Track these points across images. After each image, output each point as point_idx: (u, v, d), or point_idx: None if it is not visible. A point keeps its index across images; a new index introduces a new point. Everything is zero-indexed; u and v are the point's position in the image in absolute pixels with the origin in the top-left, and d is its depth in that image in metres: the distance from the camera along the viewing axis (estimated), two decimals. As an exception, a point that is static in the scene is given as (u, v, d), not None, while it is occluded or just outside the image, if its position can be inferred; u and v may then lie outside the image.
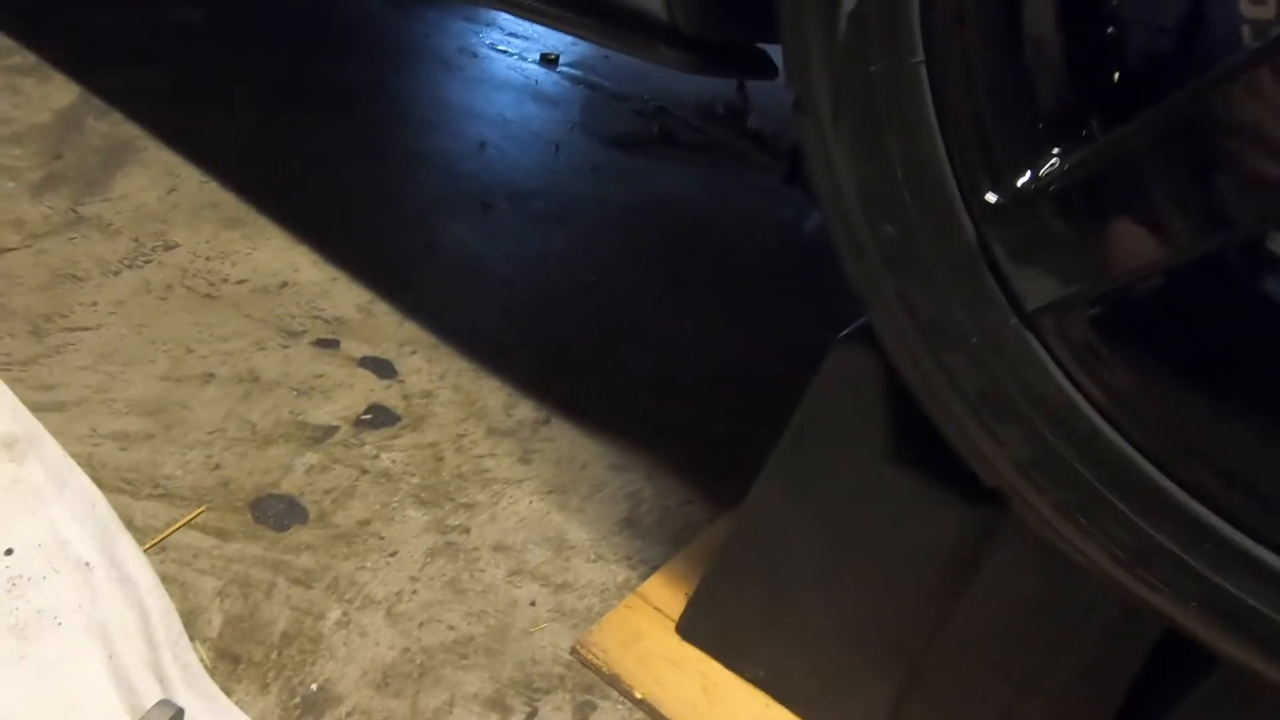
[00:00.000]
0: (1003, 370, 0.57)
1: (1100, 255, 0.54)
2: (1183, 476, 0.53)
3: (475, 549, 0.88)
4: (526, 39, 2.15)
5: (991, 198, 0.56)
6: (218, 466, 0.90)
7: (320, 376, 1.04)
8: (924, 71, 0.55)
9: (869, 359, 0.66)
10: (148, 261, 1.15)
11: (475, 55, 2.03)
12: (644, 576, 0.88)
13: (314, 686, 0.73)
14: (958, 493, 0.65)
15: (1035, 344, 0.56)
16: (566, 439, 1.04)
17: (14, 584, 0.72)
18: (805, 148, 0.61)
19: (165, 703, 0.53)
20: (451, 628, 0.80)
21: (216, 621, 0.76)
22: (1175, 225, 0.52)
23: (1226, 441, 0.53)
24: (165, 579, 0.77)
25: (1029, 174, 0.55)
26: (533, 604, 0.84)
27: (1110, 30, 0.56)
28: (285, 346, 1.07)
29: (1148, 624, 0.61)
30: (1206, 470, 0.53)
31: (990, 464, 0.60)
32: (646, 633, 0.82)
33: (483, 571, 0.86)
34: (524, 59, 2.06)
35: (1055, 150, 0.55)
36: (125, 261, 1.14)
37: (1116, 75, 0.57)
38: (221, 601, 0.78)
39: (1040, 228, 0.55)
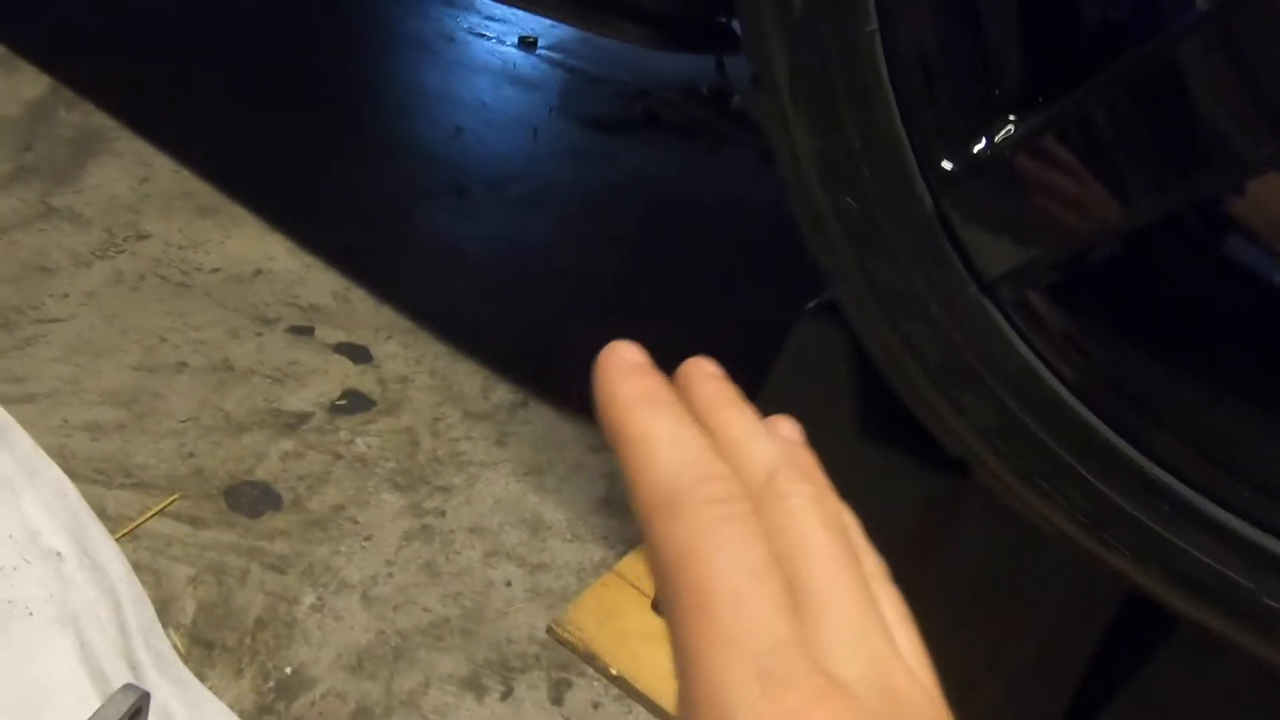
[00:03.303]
0: (962, 339, 0.57)
1: (1057, 221, 0.54)
2: (1140, 440, 0.53)
3: (451, 531, 0.88)
4: (504, 22, 2.14)
5: (948, 166, 0.55)
6: (191, 455, 0.90)
7: (294, 363, 1.03)
8: (878, 40, 0.55)
9: (833, 331, 0.66)
10: (120, 252, 1.14)
11: (453, 39, 2.02)
12: (621, 555, 0.89)
13: (288, 670, 0.73)
14: (923, 463, 0.66)
15: (994, 312, 0.56)
16: (544, 421, 1.04)
17: (-15, 575, 0.72)
18: (764, 121, 0.61)
19: (129, 687, 0.53)
20: (427, 610, 0.80)
21: (190, 608, 0.76)
22: (1131, 188, 0.52)
23: (1182, 404, 0.53)
24: (138, 567, 0.77)
25: (984, 141, 0.55)
26: (509, 584, 0.84)
27: (1063, -5, 0.56)
28: (259, 334, 1.06)
29: (1110, 590, 0.61)
30: (1164, 433, 0.53)
31: (953, 433, 0.60)
32: (623, 610, 0.82)
33: (459, 554, 0.86)
34: (502, 42, 2.05)
35: (1010, 116, 0.55)
36: (97, 252, 1.13)
37: (1071, 39, 0.57)
38: (195, 589, 0.78)
39: (997, 195, 0.55)
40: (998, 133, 0.55)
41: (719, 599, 0.20)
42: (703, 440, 0.24)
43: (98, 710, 0.52)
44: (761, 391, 0.72)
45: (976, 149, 0.55)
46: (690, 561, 0.21)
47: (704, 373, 0.29)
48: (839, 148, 0.58)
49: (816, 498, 0.25)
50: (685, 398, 0.28)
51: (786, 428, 0.30)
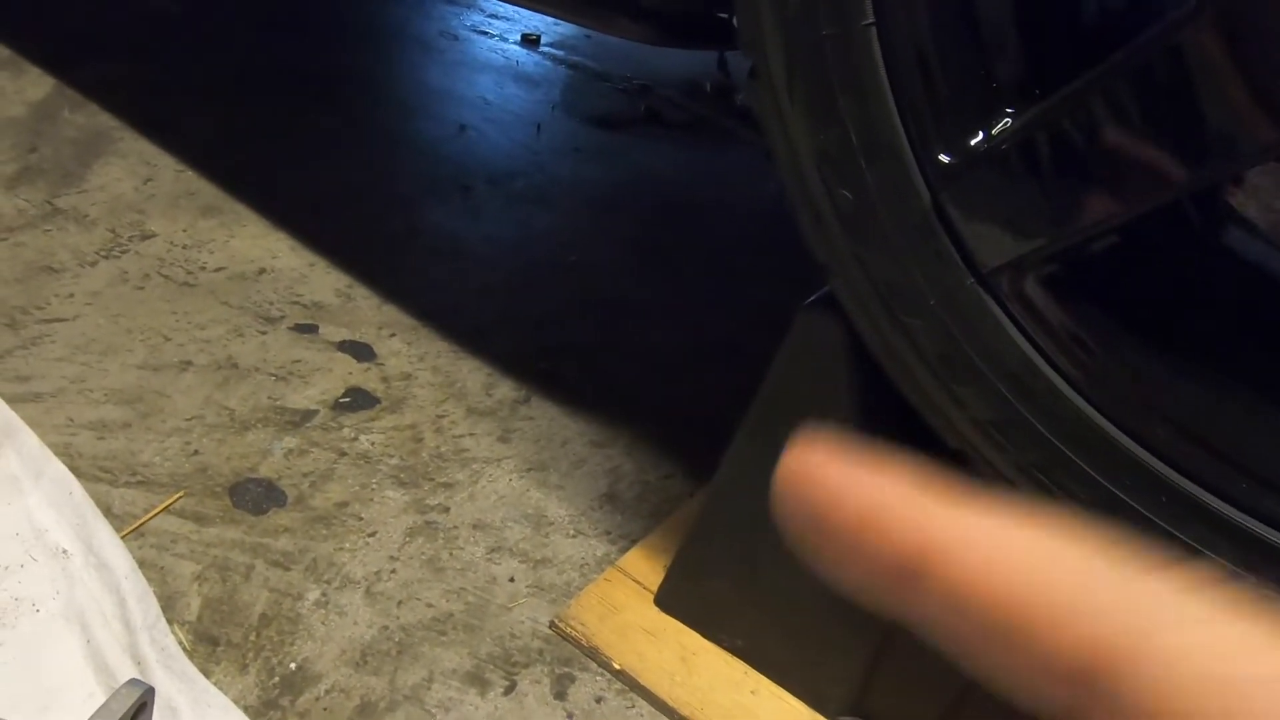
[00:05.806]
0: (961, 331, 0.57)
1: (1054, 213, 0.54)
2: (1138, 432, 0.53)
3: (454, 528, 0.88)
4: (508, 20, 2.14)
5: (945, 159, 0.55)
6: (196, 452, 0.90)
7: (298, 361, 1.04)
8: (874, 34, 0.55)
9: (833, 325, 0.66)
10: (124, 251, 1.15)
11: (456, 38, 2.02)
12: (623, 551, 0.89)
13: (292, 666, 0.73)
14: (922, 457, 0.65)
15: (992, 304, 0.56)
16: (546, 417, 1.04)
17: (-8, 573, 0.73)
18: (761, 115, 0.61)
19: (134, 682, 0.53)
20: (430, 605, 0.80)
21: (195, 605, 0.76)
22: (1127, 180, 0.52)
23: (1181, 396, 0.53)
24: (143, 564, 0.78)
25: (982, 134, 0.55)
26: (512, 580, 0.84)
27: (1059, -14, 0.56)
28: (263, 333, 1.07)
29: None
30: (1162, 425, 0.53)
31: (952, 426, 0.60)
32: (625, 605, 0.82)
33: (462, 549, 0.86)
34: (505, 40, 2.05)
35: (1008, 109, 0.55)
36: (102, 252, 1.14)
37: (1068, 31, 0.57)
38: (200, 585, 0.78)
39: (994, 187, 0.55)
40: (995, 125, 0.55)
41: None
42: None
43: (102, 705, 0.53)
44: (763, 386, 0.72)
45: (973, 142, 0.55)
46: None
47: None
48: (836, 141, 0.58)
49: None
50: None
51: None
